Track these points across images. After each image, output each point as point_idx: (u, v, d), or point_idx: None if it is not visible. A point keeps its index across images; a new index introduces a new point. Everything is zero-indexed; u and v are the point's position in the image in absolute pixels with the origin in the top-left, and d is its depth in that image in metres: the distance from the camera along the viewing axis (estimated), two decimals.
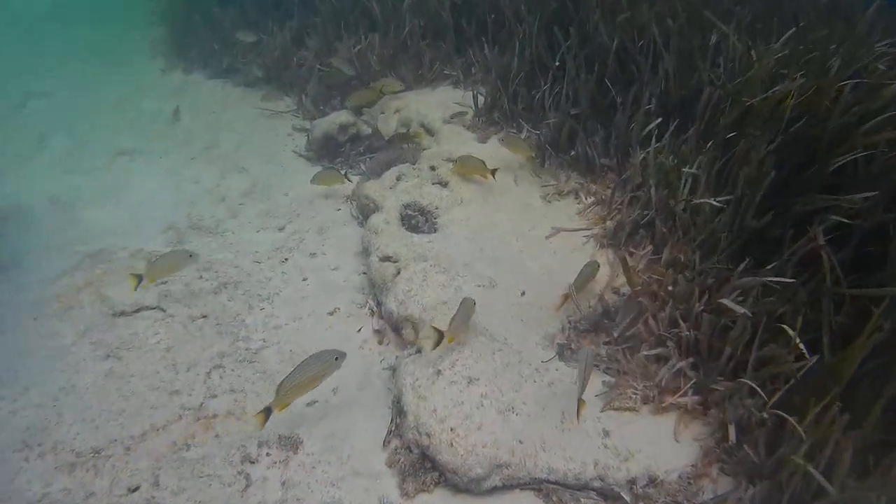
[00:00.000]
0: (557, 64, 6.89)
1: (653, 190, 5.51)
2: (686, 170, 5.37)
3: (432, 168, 6.66)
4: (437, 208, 6.18)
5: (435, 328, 4.49)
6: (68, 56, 13.02)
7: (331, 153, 7.85)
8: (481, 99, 7.49)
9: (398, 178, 6.55)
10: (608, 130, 6.42)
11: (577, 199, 6.35)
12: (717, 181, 5.28)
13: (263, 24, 10.36)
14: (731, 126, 5.40)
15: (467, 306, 4.54)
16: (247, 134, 8.77)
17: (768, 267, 4.54)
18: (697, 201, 5.16)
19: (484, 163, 6.33)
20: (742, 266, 4.58)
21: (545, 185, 6.53)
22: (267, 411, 4.03)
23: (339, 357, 4.03)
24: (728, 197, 4.98)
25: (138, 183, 7.93)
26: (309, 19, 9.88)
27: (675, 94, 6.11)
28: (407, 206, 6.17)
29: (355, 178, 7.15)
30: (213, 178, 7.72)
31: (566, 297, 5.02)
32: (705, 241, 5.01)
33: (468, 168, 6.45)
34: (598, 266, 5.15)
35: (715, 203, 4.97)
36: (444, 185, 6.48)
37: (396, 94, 8.08)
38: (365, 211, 6.42)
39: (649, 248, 5.45)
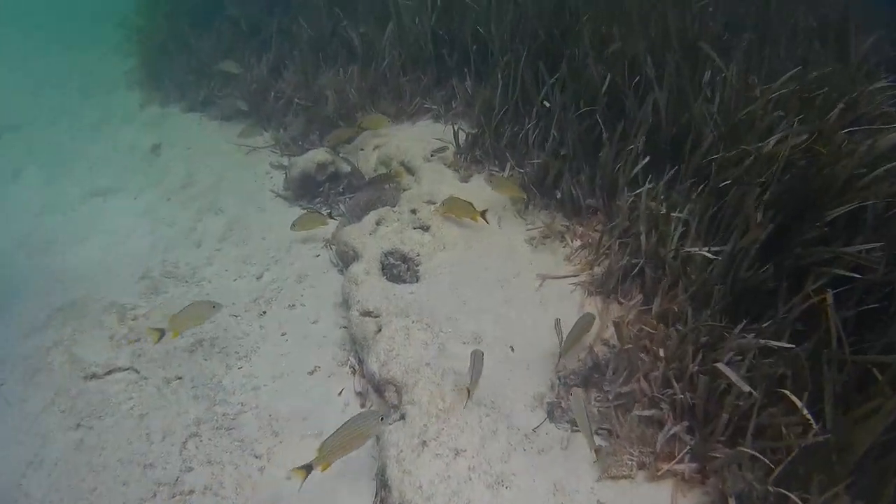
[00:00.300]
0: (545, 103, 6.62)
1: (643, 237, 5.27)
2: (677, 215, 5.13)
3: (413, 211, 6.45)
4: (418, 255, 5.96)
5: (467, 389, 4.39)
6: (43, 85, 12.82)
7: (309, 193, 7.60)
8: (463, 135, 7.26)
9: (378, 223, 6.32)
10: (594, 169, 6.19)
11: (563, 242, 6.15)
12: (710, 228, 5.06)
13: (239, 54, 10.03)
14: (724, 170, 5.15)
15: (479, 359, 4.36)
16: (224, 171, 8.53)
17: (766, 324, 4.32)
18: (689, 250, 4.91)
19: (472, 205, 6.16)
20: (739, 327, 4.32)
21: (530, 228, 6.31)
22: (308, 468, 3.87)
23: (383, 417, 3.96)
24: (721, 248, 4.75)
25: (112, 225, 7.71)
26: (286, 50, 9.54)
27: (666, 132, 5.86)
28: (388, 254, 5.95)
29: (336, 219, 6.83)
30: (189, 219, 7.46)
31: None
32: (697, 292, 4.81)
33: (456, 210, 6.26)
34: (593, 319, 4.99)
35: (708, 255, 4.73)
36: (425, 229, 6.27)
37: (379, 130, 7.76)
38: (345, 258, 6.18)
39: (639, 297, 5.26)
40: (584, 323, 4.89)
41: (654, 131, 6.03)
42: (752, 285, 4.63)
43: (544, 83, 6.71)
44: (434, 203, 6.49)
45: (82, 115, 10.99)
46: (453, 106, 8.16)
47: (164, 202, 7.98)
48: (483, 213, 6.20)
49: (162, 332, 4.92)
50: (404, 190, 6.90)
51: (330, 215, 6.71)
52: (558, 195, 6.28)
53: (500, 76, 7.09)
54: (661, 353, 4.58)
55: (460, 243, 6.06)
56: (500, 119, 7.01)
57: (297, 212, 7.39)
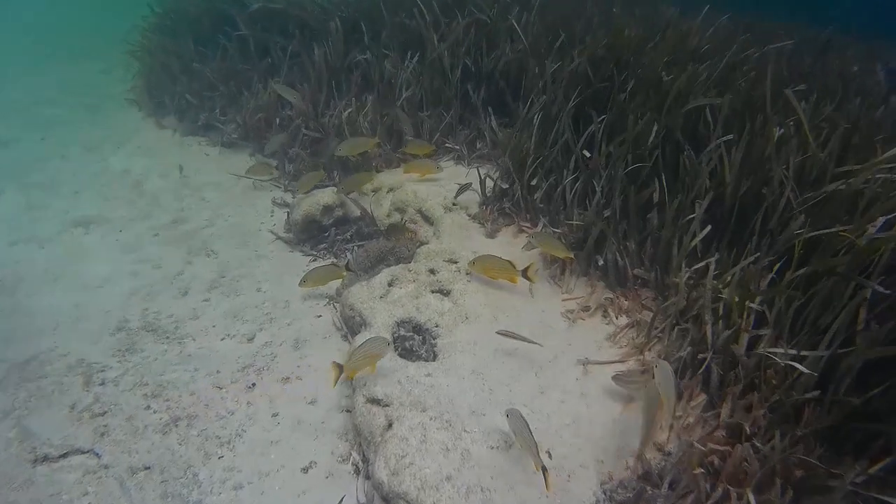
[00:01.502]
0: (587, 155, 5.65)
1: (708, 328, 4.25)
2: (754, 306, 4.13)
3: (432, 272, 5.49)
4: (437, 326, 5.00)
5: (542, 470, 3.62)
6: (39, 97, 11.90)
7: (313, 238, 6.64)
8: (490, 183, 6.41)
9: (391, 284, 5.37)
10: (644, 235, 5.18)
11: (605, 317, 5.23)
12: (796, 322, 4.05)
13: (246, 77, 9.04)
14: (810, 254, 4.31)
15: (521, 422, 3.81)
16: (221, 206, 7.57)
17: (879, 465, 3.31)
18: (770, 352, 3.91)
19: (511, 264, 5.30)
20: (851, 476, 3.35)
21: (567, 298, 5.31)
22: None
23: None
24: (814, 353, 3.74)
25: (92, 263, 6.77)
26: (296, 76, 8.59)
27: (730, 199, 4.89)
28: (401, 324, 4.99)
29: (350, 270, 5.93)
30: (176, 261, 6.49)
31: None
32: (780, 404, 3.76)
33: (490, 270, 5.39)
34: (658, 397, 4.05)
35: (799, 367, 3.74)
36: (445, 294, 5.31)
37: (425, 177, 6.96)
38: (350, 323, 5.22)
39: (702, 398, 4.21)
40: (653, 404, 4.12)
41: (716, 195, 5.17)
42: (859, 412, 3.59)
43: (586, 128, 5.72)
44: (456, 262, 5.56)
45: (77, 133, 10.04)
46: (477, 147, 7.23)
47: (152, 238, 7.02)
48: (526, 271, 5.32)
49: (340, 369, 4.37)
50: (421, 244, 5.92)
51: (347, 266, 5.64)
52: (600, 262, 5.25)
53: (536, 120, 6.07)
54: (734, 470, 3.54)
55: (485, 314, 5.09)
56: (534, 169, 5.95)
57: (297, 258, 6.50)
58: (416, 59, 7.84)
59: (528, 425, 3.80)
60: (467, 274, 5.56)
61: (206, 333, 5.58)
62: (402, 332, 4.95)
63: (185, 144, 9.36)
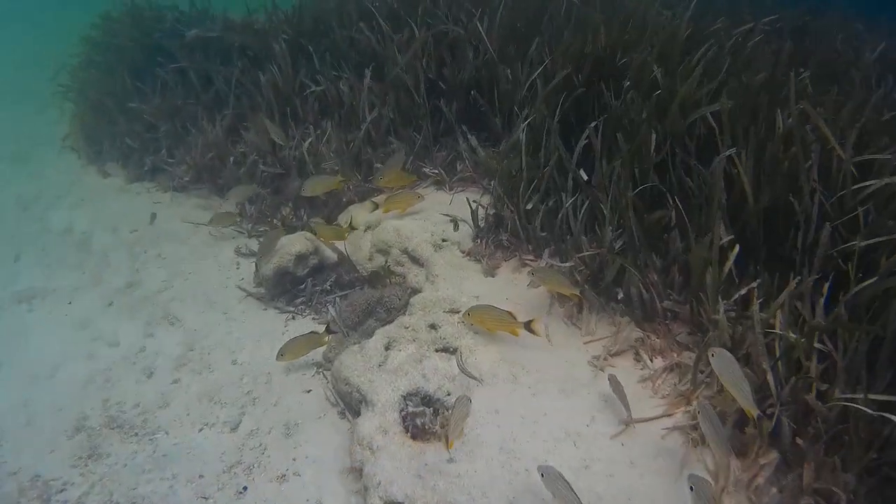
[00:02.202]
0: (584, 177, 4.94)
1: (770, 375, 3.55)
2: (820, 346, 3.47)
3: (432, 326, 4.80)
4: (448, 395, 4.30)
5: None
6: None
7: (287, 291, 5.84)
8: (481, 211, 5.76)
9: (388, 347, 4.67)
10: (666, 262, 4.46)
11: (637, 360, 4.50)
12: (873, 358, 3.41)
13: (190, 112, 8.15)
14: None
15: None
16: (179, 262, 6.75)
17: None
18: (850, 399, 3.24)
19: (511, 315, 4.60)
20: None
21: (590, 341, 4.56)
22: None
23: None
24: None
25: (39, 346, 5.92)
26: (245, 106, 7.72)
27: (754, 212, 4.19)
28: (408, 397, 4.27)
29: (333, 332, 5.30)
30: (136, 335, 5.69)
31: None
32: (877, 463, 3.08)
33: (487, 322, 4.65)
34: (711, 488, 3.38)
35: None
36: (452, 352, 4.65)
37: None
38: (347, 399, 4.50)
39: (773, 456, 3.49)
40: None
41: (737, 210, 4.62)
42: None
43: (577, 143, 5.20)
44: (457, 311, 4.86)
45: (8, 188, 9.02)
46: (458, 169, 6.41)
47: (105, 309, 6.18)
48: (529, 325, 4.61)
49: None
50: (413, 290, 5.16)
51: (328, 329, 4.86)
52: (620, 295, 4.51)
53: (522, 137, 5.31)
54: None
55: (502, 373, 4.40)
56: (529, 193, 5.26)
57: (273, 317, 5.74)
58: (370, 77, 6.99)
59: (568, 484, 3.29)
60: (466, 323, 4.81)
61: (181, 424, 4.77)
62: (411, 409, 4.21)
63: (132, 192, 8.45)
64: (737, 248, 4.28)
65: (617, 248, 4.74)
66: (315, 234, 5.98)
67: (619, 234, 4.83)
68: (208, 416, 4.81)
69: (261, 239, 6.68)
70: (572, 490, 3.27)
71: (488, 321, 4.63)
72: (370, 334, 5.04)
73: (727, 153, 4.46)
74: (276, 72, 7.64)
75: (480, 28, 6.66)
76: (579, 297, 4.83)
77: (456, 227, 5.61)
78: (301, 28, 8.18)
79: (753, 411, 3.41)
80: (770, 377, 3.76)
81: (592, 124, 5.13)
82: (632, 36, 6.02)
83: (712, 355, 3.54)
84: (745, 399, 3.42)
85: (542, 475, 3.40)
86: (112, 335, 5.82)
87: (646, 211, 4.82)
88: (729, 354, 3.51)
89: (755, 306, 3.90)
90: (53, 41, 12.44)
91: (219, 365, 5.31)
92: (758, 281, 4.24)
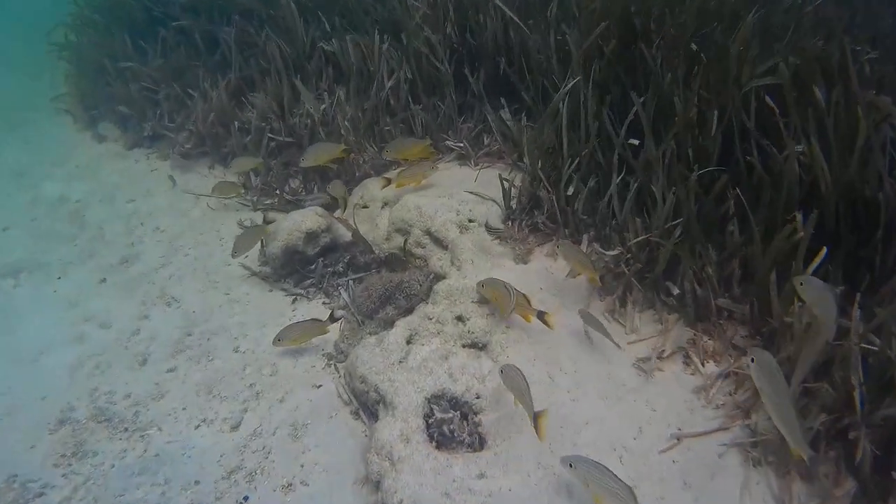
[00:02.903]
0: (633, 142, 4.42)
1: (857, 393, 3.04)
2: None
3: (460, 319, 4.32)
4: (478, 397, 3.83)
5: None
6: None
7: (296, 271, 5.33)
8: (511, 190, 5.29)
9: (409, 341, 4.20)
10: (724, 255, 3.95)
11: (687, 364, 3.97)
12: None
13: (194, 75, 7.57)
14: None
15: None
16: (178, 235, 6.27)
17: None
18: None
19: (526, 298, 4.22)
20: None
21: (634, 341, 4.06)
22: None
23: None
24: None
25: (25, 326, 5.44)
26: (252, 69, 7.27)
27: (831, 200, 3.67)
28: (433, 400, 3.80)
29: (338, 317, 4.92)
30: (129, 316, 5.21)
31: None
32: None
33: (501, 300, 4.25)
34: None
35: None
36: (481, 348, 4.15)
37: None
38: (363, 399, 4.03)
39: (850, 485, 3.04)
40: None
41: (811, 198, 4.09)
42: None
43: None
44: (488, 302, 4.18)
45: (4, 154, 8.53)
46: (485, 143, 5.87)
47: (98, 287, 5.70)
48: (543, 316, 4.18)
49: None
50: (436, 276, 4.64)
51: (332, 317, 4.35)
52: (675, 290, 4.00)
53: (562, 109, 4.76)
54: None
55: (537, 373, 3.99)
56: (570, 172, 4.76)
57: (279, 300, 5.30)
58: (389, 43, 6.59)
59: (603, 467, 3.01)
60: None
61: (176, 419, 4.31)
62: (438, 414, 3.76)
63: (130, 159, 7.94)
64: (824, 250, 3.71)
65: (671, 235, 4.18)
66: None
67: (670, 219, 4.26)
68: (207, 411, 4.35)
69: (267, 213, 6.13)
70: (608, 470, 2.99)
71: (501, 298, 4.21)
72: (389, 324, 4.57)
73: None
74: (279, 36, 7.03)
75: None
76: (597, 281, 4.46)
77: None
78: None
79: (804, 453, 2.89)
80: (857, 396, 3.22)
81: (641, 99, 4.55)
82: None
83: (752, 360, 3.01)
84: (791, 434, 2.90)
85: (572, 465, 3.08)
86: (104, 315, 5.36)
87: (703, 194, 4.25)
88: (774, 362, 2.98)
89: (855, 319, 3.36)
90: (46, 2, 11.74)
91: (219, 352, 4.84)
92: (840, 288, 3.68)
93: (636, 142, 4.54)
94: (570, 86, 4.96)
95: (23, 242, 6.55)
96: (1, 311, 5.54)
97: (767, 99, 4.25)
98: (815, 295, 3.30)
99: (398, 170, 5.97)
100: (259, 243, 5.62)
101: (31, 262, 6.17)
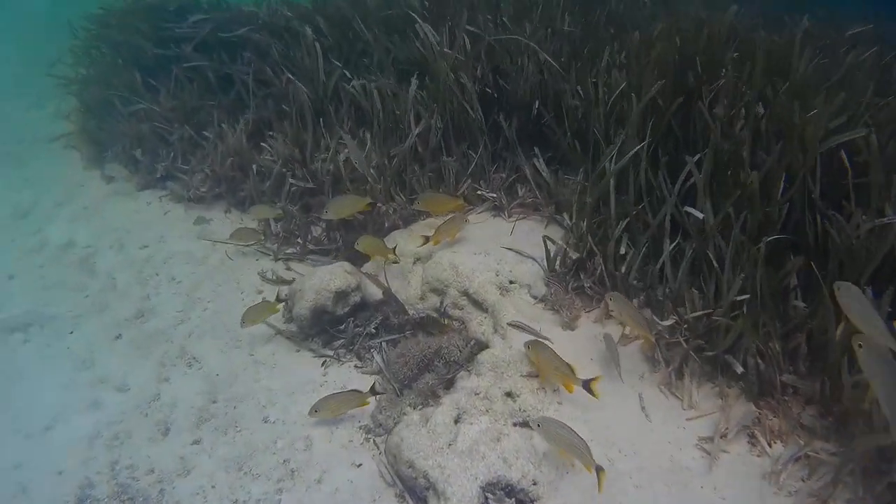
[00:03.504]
0: (698, 213, 4.28)
1: None
2: None
3: (509, 395, 4.07)
4: (534, 483, 3.65)
5: None
6: None
7: (325, 331, 5.13)
8: (552, 247, 5.13)
9: (457, 421, 3.92)
10: (789, 327, 3.77)
11: (752, 444, 3.80)
12: None
13: (207, 115, 7.36)
14: None
15: None
16: (196, 286, 6.08)
17: None
18: None
19: (571, 368, 4.11)
20: None
21: (693, 418, 3.87)
22: None
23: None
24: None
25: (35, 389, 5.20)
26: (269, 111, 7.09)
27: None
28: (487, 488, 3.53)
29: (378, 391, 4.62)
30: (148, 379, 5.02)
31: None
32: None
33: (545, 368, 4.23)
34: None
35: None
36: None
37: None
38: (409, 484, 3.86)
39: None
40: None
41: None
42: None
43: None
44: (537, 375, 4.00)
45: (5, 193, 8.26)
46: (519, 194, 5.67)
47: (112, 343, 5.48)
48: (589, 383, 4.08)
49: None
50: (480, 345, 4.45)
51: (373, 390, 4.16)
52: (738, 369, 3.82)
53: (610, 169, 4.59)
54: None
55: (596, 455, 3.63)
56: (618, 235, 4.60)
57: (307, 361, 5.14)
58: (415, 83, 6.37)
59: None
60: (554, 391, 4.30)
61: (206, 500, 4.13)
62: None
63: (140, 202, 7.67)
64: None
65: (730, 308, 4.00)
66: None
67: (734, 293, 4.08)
68: (238, 490, 4.13)
69: (288, 264, 5.95)
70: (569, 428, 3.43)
71: (545, 366, 4.13)
72: (429, 395, 4.39)
73: None
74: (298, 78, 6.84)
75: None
76: (651, 341, 4.34)
77: None
78: (330, 27, 7.34)
79: None
80: None
81: (695, 158, 4.38)
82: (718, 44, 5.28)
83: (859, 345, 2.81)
84: None
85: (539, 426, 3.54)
86: (120, 378, 5.13)
87: (766, 264, 4.08)
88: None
89: None
90: (50, 31, 11.51)
91: (247, 422, 4.60)
92: None
93: (699, 214, 4.32)
94: (617, 146, 4.77)
95: (30, 292, 6.33)
96: (9, 372, 5.32)
97: (844, 157, 4.06)
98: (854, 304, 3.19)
99: (425, 220, 5.92)
100: (283, 298, 5.39)
101: (41, 316, 5.95)
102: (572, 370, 4.11)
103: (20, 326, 5.81)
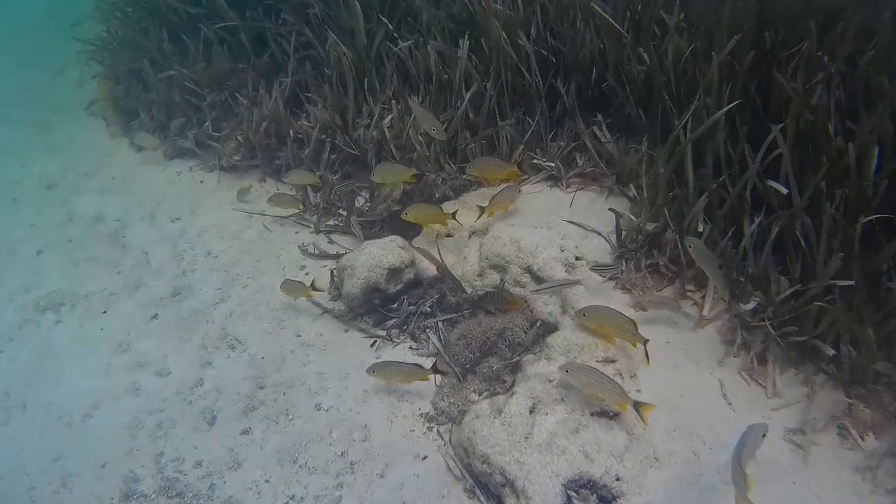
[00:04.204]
0: (781, 189, 3.97)
1: None
2: None
3: None
4: (617, 479, 3.45)
5: None
6: None
7: (375, 310, 4.88)
8: (622, 221, 4.90)
9: (532, 411, 3.64)
10: (884, 312, 3.51)
11: (843, 436, 3.81)
12: None
13: (240, 78, 7.08)
14: None
15: None
16: (234, 262, 5.85)
17: None
18: None
19: (634, 324, 3.96)
20: None
21: (779, 408, 3.81)
22: None
23: None
24: None
25: (71, 373, 5.05)
26: (307, 73, 7.02)
27: None
28: (570, 485, 3.25)
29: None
30: (189, 363, 4.84)
31: None
32: None
33: (607, 328, 4.11)
34: None
35: None
36: (612, 416, 3.64)
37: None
38: (481, 478, 3.57)
39: None
40: None
41: None
42: None
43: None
44: (613, 361, 3.80)
45: (29, 163, 7.95)
46: (578, 163, 5.34)
47: (149, 324, 5.30)
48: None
49: None
50: (547, 327, 4.22)
51: (435, 368, 3.95)
52: (829, 352, 3.57)
53: (685, 135, 4.29)
54: None
55: (679, 447, 3.86)
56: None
57: (358, 343, 4.97)
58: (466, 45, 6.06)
59: None
60: (631, 377, 4.14)
61: (259, 495, 3.95)
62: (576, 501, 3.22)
63: (171, 171, 7.43)
64: None
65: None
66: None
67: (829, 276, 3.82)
68: (294, 486, 3.94)
69: (330, 237, 5.80)
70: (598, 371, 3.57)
71: (607, 327, 4.01)
72: (493, 379, 4.16)
73: None
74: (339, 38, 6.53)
75: None
76: (727, 299, 4.22)
77: None
78: None
79: None
80: None
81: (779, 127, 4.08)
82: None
83: None
84: None
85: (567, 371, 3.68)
86: (160, 361, 4.95)
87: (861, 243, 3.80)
88: None
89: None
90: None
91: (299, 410, 4.41)
92: None
93: (783, 189, 4.02)
94: (690, 112, 4.47)
95: (60, 269, 6.17)
96: (44, 356, 5.18)
97: None
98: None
99: (476, 190, 5.79)
100: (330, 277, 5.16)
101: (72, 294, 5.79)
102: (635, 327, 3.98)
103: (52, 306, 5.66)
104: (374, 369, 4.28)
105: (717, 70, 4.46)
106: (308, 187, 6.36)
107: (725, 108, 4.36)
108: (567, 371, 3.65)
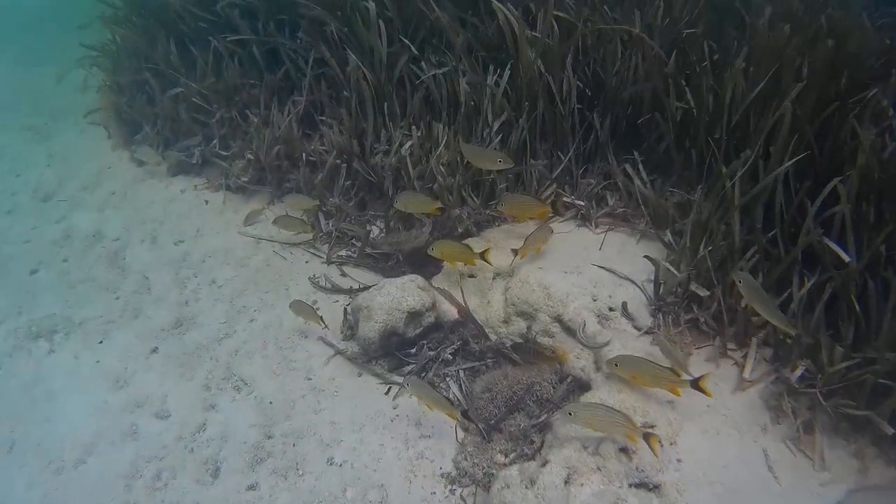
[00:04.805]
0: (845, 257, 3.80)
1: None
2: None
3: (623, 451, 3.50)
4: None
5: None
6: None
7: (391, 354, 4.70)
8: (661, 272, 4.63)
9: (567, 482, 3.39)
10: None
11: None
12: None
13: (250, 94, 6.85)
14: None
15: None
16: (239, 293, 5.65)
17: None
18: None
19: (675, 372, 3.81)
20: None
21: (828, 482, 3.57)
22: None
23: None
24: None
25: (63, 411, 4.81)
26: (322, 93, 6.76)
27: None
28: None
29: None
30: (191, 404, 4.63)
31: None
32: None
33: (642, 378, 3.89)
34: None
35: None
36: (652, 489, 3.37)
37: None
38: None
39: None
40: None
41: None
42: None
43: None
44: (653, 426, 3.52)
45: (27, 172, 7.74)
46: (609, 203, 5.12)
47: (148, 358, 5.03)
48: (697, 382, 3.75)
49: None
50: (579, 383, 3.98)
51: (465, 414, 3.77)
52: (888, 430, 3.37)
53: (734, 187, 4.10)
54: None
55: None
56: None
57: (373, 389, 4.77)
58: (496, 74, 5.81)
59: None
60: (671, 444, 3.90)
61: None
62: None
63: (174, 188, 7.18)
64: None
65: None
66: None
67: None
68: None
69: (342, 269, 5.62)
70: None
71: (642, 376, 3.78)
72: (520, 439, 3.90)
73: None
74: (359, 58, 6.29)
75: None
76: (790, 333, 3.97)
77: None
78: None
79: None
80: None
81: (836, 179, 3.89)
82: None
83: None
84: None
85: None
86: (160, 401, 4.73)
87: None
88: None
89: None
90: None
91: (310, 464, 4.19)
92: None
93: (846, 256, 3.81)
94: (746, 163, 4.25)
95: (55, 291, 5.94)
96: (34, 388, 4.90)
97: None
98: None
99: (500, 226, 5.62)
100: (343, 315, 4.95)
101: (67, 321, 5.57)
102: (676, 372, 3.79)
103: (45, 333, 5.43)
104: (411, 392, 4.20)
105: (790, 116, 4.23)
106: (319, 213, 6.11)
107: (789, 163, 4.11)
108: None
